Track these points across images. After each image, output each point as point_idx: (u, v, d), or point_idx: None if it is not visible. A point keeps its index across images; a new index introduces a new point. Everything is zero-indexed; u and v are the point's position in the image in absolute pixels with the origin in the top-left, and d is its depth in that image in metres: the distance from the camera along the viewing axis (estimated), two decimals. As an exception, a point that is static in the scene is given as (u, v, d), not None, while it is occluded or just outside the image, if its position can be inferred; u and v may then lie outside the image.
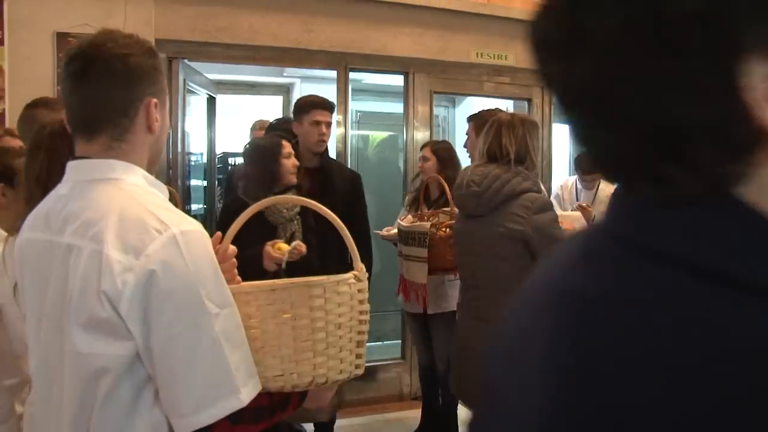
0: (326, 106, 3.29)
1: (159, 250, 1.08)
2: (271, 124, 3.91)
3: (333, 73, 4.58)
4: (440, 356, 3.70)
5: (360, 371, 1.32)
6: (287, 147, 2.99)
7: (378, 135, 6.78)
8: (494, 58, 4.86)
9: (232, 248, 1.36)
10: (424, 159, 3.83)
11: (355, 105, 6.52)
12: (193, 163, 4.85)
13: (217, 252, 1.25)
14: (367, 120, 6.67)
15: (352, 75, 4.70)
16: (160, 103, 1.24)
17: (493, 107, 3.65)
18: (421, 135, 4.79)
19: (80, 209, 1.16)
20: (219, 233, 1.38)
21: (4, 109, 3.60)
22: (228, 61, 4.32)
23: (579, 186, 4.57)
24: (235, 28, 4.12)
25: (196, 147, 5.04)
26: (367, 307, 1.31)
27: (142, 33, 3.73)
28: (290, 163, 2.95)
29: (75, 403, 1.13)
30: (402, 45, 4.60)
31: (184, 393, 1.10)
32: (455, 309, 3.41)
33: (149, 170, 1.26)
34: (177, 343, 1.09)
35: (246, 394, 1.14)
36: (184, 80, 4.11)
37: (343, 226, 1.34)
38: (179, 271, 1.09)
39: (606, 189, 4.24)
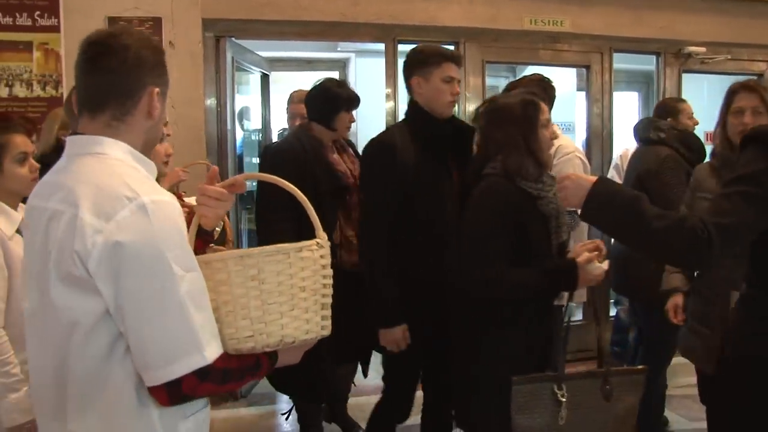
0: (459, 60, 2.72)
1: (128, 216, 1.18)
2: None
3: (388, 47, 4.53)
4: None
5: (326, 332, 1.39)
6: None
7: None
8: (549, 24, 4.70)
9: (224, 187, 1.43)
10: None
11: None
12: (246, 140, 4.95)
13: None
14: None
15: (405, 47, 4.64)
16: (162, 95, 1.37)
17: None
18: (474, 107, 4.70)
19: (66, 179, 1.29)
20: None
21: (62, 94, 3.77)
22: (275, 37, 4.39)
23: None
24: (282, 3, 4.16)
25: (251, 124, 5.13)
26: (329, 272, 1.37)
27: (189, 13, 3.84)
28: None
29: (54, 354, 1.25)
30: (451, 14, 4.51)
31: (152, 349, 1.20)
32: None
33: (145, 152, 1.37)
34: (145, 301, 1.18)
35: (210, 353, 1.22)
36: (233, 58, 4.18)
37: (305, 198, 1.43)
38: (146, 235, 1.18)
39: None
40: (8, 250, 2.01)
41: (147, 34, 1.40)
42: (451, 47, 4.67)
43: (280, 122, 5.46)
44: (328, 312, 1.39)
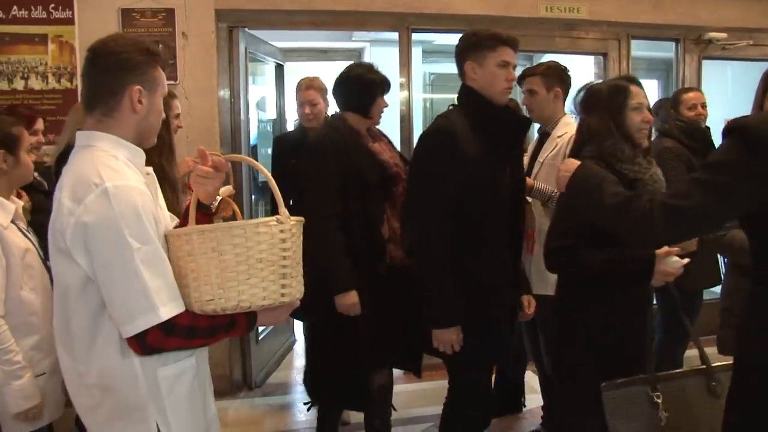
0: (516, 43, 2.50)
1: (93, 200, 1.43)
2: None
3: (403, 36, 4.51)
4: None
5: (286, 299, 1.54)
6: None
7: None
8: (565, 12, 4.64)
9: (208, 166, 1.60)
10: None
11: (427, 67, 6.43)
12: (261, 131, 4.94)
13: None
14: (442, 82, 6.54)
15: (422, 36, 4.62)
16: (148, 90, 1.57)
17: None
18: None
19: (66, 169, 1.55)
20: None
21: (77, 86, 3.80)
22: (288, 27, 4.38)
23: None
24: (294, -7, 4.13)
25: (266, 115, 5.13)
26: (288, 245, 1.51)
27: (201, 4, 3.85)
28: None
29: (58, 313, 1.55)
30: (466, 2, 4.48)
31: (118, 308, 1.46)
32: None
33: (142, 141, 1.62)
34: (109, 269, 1.44)
35: (165, 312, 1.46)
36: (246, 49, 4.19)
37: (272, 179, 1.57)
38: (107, 215, 1.42)
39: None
40: (4, 239, 2.07)
41: (137, 39, 1.59)
42: (466, 36, 4.67)
43: (295, 112, 5.45)
44: (290, 280, 1.53)
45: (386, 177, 2.88)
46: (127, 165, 1.52)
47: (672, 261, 2.09)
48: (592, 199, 1.82)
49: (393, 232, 2.89)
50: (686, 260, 2.12)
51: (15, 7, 3.78)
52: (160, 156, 2.12)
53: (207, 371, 1.72)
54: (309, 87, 3.53)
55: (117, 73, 1.53)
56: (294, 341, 5.09)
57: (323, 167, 2.80)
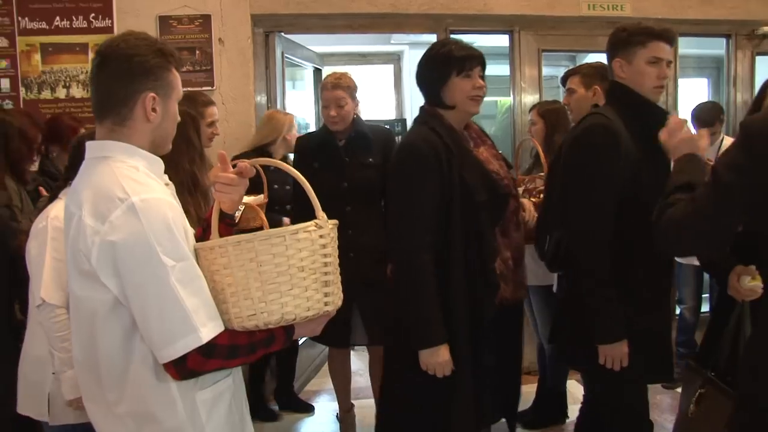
0: (670, 38, 2.23)
1: (120, 216, 1.32)
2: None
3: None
4: (541, 332, 3.53)
5: (329, 308, 1.46)
6: None
7: (506, 101, 6.55)
8: (608, 9, 4.50)
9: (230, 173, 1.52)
10: (532, 123, 3.67)
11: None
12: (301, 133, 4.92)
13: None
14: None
15: (461, 38, 4.52)
16: (162, 96, 1.46)
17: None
18: (531, 98, 4.55)
19: (78, 183, 1.46)
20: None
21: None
22: (325, 31, 4.35)
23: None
24: (330, -3, 4.10)
25: (304, 120, 5.12)
26: (329, 250, 1.44)
27: (237, 9, 3.83)
28: None
29: (84, 339, 1.42)
30: (505, 2, 4.39)
31: (154, 332, 1.35)
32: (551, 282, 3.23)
33: (157, 149, 1.50)
34: (142, 291, 1.34)
35: (206, 333, 1.36)
36: (283, 53, 4.17)
37: (306, 182, 1.51)
38: (137, 232, 1.32)
39: (728, 142, 3.82)
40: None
41: (151, 39, 1.48)
42: (506, 37, 4.58)
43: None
44: (331, 289, 1.46)
45: (498, 195, 2.36)
46: (148, 176, 1.43)
47: (745, 280, 1.96)
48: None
49: (505, 265, 2.52)
50: (760, 288, 1.92)
51: (57, 18, 3.84)
52: (192, 163, 2.06)
53: (243, 389, 1.64)
54: (336, 87, 3.22)
55: (128, 79, 1.42)
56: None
57: (419, 182, 2.21)
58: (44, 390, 2.14)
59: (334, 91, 3.18)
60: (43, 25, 3.83)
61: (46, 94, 3.86)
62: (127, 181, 1.36)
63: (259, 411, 3.77)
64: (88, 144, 1.48)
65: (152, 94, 1.44)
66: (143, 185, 1.38)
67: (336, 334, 2.78)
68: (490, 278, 2.34)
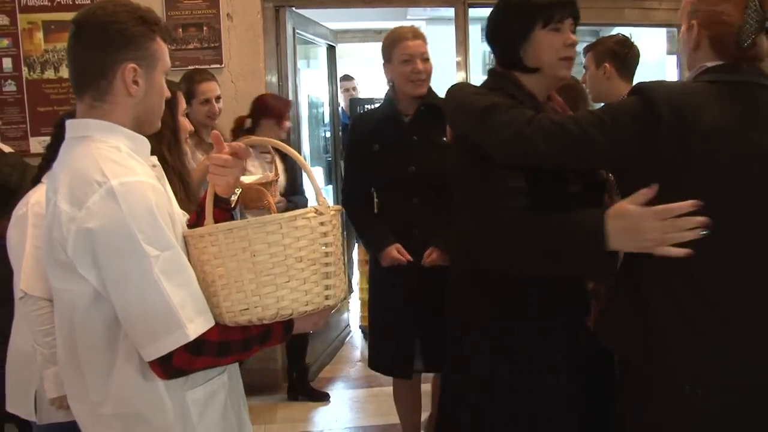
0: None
1: (98, 202, 1.21)
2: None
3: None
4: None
5: (331, 302, 1.34)
6: None
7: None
8: (636, -20, 4.28)
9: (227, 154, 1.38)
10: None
11: (486, 46, 6.13)
12: (312, 115, 4.80)
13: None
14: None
15: (480, 12, 4.33)
16: (145, 68, 1.33)
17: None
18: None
19: (57, 166, 1.34)
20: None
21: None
22: (338, 5, 4.20)
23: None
24: (343, -30, 3.93)
25: (318, 97, 4.99)
26: (331, 239, 1.31)
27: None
28: None
29: (64, 334, 1.32)
30: (527, -27, 4.16)
31: (137, 328, 1.24)
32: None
33: (142, 127, 1.38)
34: (123, 283, 1.23)
35: (193, 330, 1.25)
36: (294, 30, 4.01)
37: (306, 164, 1.38)
38: (116, 219, 1.20)
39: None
40: None
41: (132, 5, 1.34)
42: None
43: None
44: (333, 281, 1.33)
45: (593, 184, 1.81)
46: (131, 157, 1.30)
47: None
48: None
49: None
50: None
51: (60, -5, 3.71)
52: (161, 143, 1.86)
53: (240, 386, 1.53)
54: (417, 36, 2.59)
55: (106, 48, 1.28)
56: (349, 333, 4.94)
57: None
58: (30, 387, 2.04)
59: (416, 41, 2.61)
60: (45, 2, 3.70)
61: (49, 74, 3.74)
62: (106, 162, 1.24)
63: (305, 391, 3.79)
64: (68, 123, 1.35)
65: (132, 65, 1.30)
66: (124, 167, 1.26)
67: (399, 365, 2.70)
68: (579, 293, 1.84)
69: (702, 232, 1.33)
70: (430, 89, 2.69)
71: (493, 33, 1.81)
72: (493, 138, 1.53)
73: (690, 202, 1.33)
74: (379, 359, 2.83)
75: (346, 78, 5.67)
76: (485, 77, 1.87)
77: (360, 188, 2.82)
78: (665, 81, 1.56)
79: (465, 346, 1.83)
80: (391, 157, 2.62)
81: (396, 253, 2.62)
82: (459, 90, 1.72)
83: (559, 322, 1.75)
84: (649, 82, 1.49)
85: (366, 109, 4.66)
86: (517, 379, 1.73)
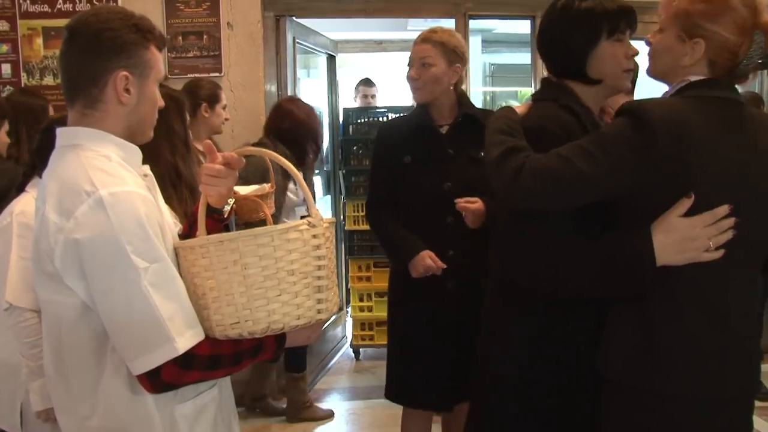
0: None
1: (86, 212, 1.19)
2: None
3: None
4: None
5: (323, 316, 1.32)
6: None
7: (526, 91, 6.34)
8: (639, -7, 4.28)
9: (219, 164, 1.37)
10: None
11: (487, 58, 6.15)
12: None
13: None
14: (503, 73, 6.24)
15: (481, 24, 4.35)
16: (137, 76, 1.32)
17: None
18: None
19: (46, 174, 1.32)
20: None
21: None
22: (338, 15, 4.20)
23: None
24: (344, -20, 3.93)
25: (318, 107, 4.97)
26: (324, 252, 1.29)
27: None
28: None
29: (52, 346, 1.31)
30: (528, -14, 4.17)
31: (125, 341, 1.23)
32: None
33: (134, 136, 1.36)
34: (111, 296, 1.21)
35: (183, 343, 1.23)
36: (294, 39, 4.01)
37: (298, 174, 1.36)
38: (104, 230, 1.18)
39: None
40: None
41: (125, 13, 1.34)
42: (527, 23, 4.37)
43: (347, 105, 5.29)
44: (325, 295, 1.31)
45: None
46: (121, 166, 1.29)
47: None
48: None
49: None
50: None
51: (60, 1, 3.70)
52: (174, 153, 1.85)
53: (231, 399, 1.51)
54: (425, 40, 2.43)
55: (98, 56, 1.27)
56: (346, 344, 4.91)
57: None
58: (16, 400, 2.01)
59: (420, 45, 2.44)
60: (45, 8, 3.70)
61: (48, 80, 3.73)
62: (96, 172, 1.23)
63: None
64: (58, 131, 1.34)
65: (124, 73, 1.29)
66: (114, 177, 1.24)
67: (429, 396, 2.45)
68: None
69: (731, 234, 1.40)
70: (463, 98, 2.51)
71: (550, 42, 1.71)
72: (506, 193, 1.50)
73: (724, 206, 1.39)
74: (401, 389, 2.54)
75: (367, 83, 5.17)
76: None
77: (387, 195, 2.53)
78: (651, 99, 1.50)
79: (501, 364, 1.72)
80: (425, 171, 2.42)
81: (429, 260, 2.34)
82: (491, 124, 1.63)
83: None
84: (638, 101, 1.46)
85: (360, 122, 4.61)
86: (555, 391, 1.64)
